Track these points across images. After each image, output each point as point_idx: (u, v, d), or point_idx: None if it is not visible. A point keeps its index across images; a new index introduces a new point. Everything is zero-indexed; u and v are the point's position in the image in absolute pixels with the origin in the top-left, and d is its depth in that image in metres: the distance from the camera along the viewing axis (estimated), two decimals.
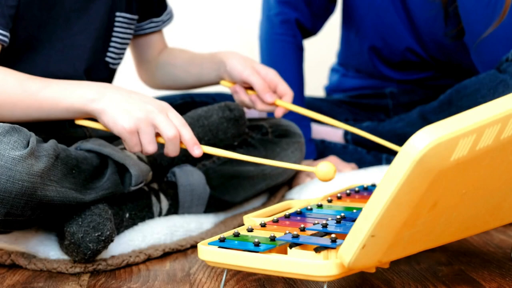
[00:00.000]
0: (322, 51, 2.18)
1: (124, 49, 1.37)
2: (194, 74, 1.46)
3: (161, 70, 1.49)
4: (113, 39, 1.32)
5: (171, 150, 1.13)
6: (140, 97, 1.13)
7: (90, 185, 1.13)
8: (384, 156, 1.64)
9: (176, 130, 1.12)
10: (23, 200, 1.02)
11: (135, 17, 1.37)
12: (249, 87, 1.41)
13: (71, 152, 1.12)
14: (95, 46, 1.29)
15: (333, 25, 1.98)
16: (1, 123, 1.04)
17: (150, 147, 1.12)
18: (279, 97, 1.39)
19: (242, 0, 2.40)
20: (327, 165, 1.05)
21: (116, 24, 1.32)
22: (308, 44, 1.85)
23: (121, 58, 1.36)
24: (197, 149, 1.13)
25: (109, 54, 1.32)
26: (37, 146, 1.05)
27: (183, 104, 1.70)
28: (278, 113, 1.39)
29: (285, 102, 1.39)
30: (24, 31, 1.21)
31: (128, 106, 1.11)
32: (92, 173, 1.15)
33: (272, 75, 1.38)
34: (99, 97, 1.11)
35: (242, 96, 1.40)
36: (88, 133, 1.31)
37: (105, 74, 1.34)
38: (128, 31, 1.35)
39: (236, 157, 1.14)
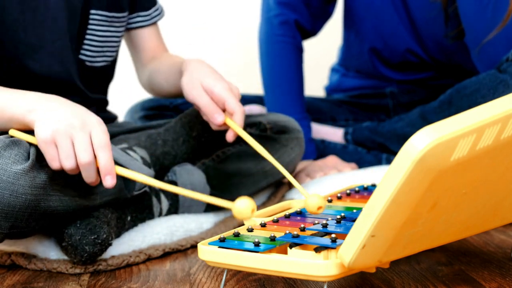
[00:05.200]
0: (322, 51, 2.18)
1: (108, 47, 1.33)
2: (171, 83, 1.37)
3: (149, 76, 1.44)
4: (88, 36, 1.29)
5: (85, 176, 1.03)
6: (73, 110, 1.04)
7: (94, 191, 1.12)
8: (384, 156, 1.64)
9: (91, 156, 1.02)
10: (27, 212, 1.02)
11: (120, 14, 1.33)
12: None
13: None
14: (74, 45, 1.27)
15: (333, 26, 1.98)
16: (0, 137, 1.03)
17: (67, 162, 1.01)
18: (230, 115, 1.23)
19: (242, 0, 2.40)
20: (244, 202, 0.94)
21: (91, 22, 1.28)
22: (308, 44, 1.85)
23: (104, 56, 1.33)
24: (109, 180, 1.02)
25: (83, 51, 1.29)
26: (38, 156, 1.04)
27: (183, 103, 1.70)
28: (229, 136, 1.24)
29: (234, 123, 1.22)
30: (7, 36, 1.20)
31: (53, 118, 1.02)
32: None
33: (219, 89, 1.22)
34: (36, 108, 1.03)
35: (203, 116, 1.27)
36: None
37: (86, 73, 1.30)
38: (111, 29, 1.32)
39: (152, 184, 1.03)
